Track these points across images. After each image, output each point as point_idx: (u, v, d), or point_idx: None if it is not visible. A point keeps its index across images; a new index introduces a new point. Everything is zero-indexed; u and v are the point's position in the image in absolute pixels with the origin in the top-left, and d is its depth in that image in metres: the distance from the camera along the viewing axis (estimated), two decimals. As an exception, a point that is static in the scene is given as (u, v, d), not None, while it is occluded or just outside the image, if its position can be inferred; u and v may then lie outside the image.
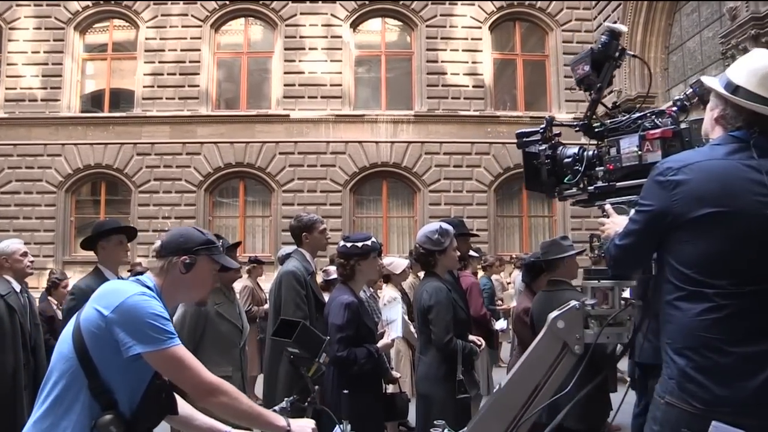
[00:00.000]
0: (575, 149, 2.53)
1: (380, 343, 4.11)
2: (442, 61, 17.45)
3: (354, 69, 17.56)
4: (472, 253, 5.85)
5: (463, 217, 15.69)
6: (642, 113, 2.41)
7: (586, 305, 2.45)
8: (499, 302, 8.68)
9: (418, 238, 4.21)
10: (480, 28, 17.63)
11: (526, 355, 2.52)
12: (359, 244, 4.08)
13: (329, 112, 17.01)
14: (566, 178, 2.50)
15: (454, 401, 3.91)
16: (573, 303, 2.46)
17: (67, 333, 2.24)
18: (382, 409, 4.19)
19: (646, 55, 15.62)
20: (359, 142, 16.93)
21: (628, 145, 2.36)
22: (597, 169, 2.46)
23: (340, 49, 17.33)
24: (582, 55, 2.51)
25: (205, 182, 16.80)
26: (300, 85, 17.13)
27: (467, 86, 17.40)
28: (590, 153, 2.48)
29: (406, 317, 6.17)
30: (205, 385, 2.23)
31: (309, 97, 17.05)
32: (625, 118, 2.44)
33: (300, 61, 17.26)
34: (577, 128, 2.52)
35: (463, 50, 17.54)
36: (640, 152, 2.32)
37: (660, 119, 2.37)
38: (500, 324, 6.95)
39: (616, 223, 2.37)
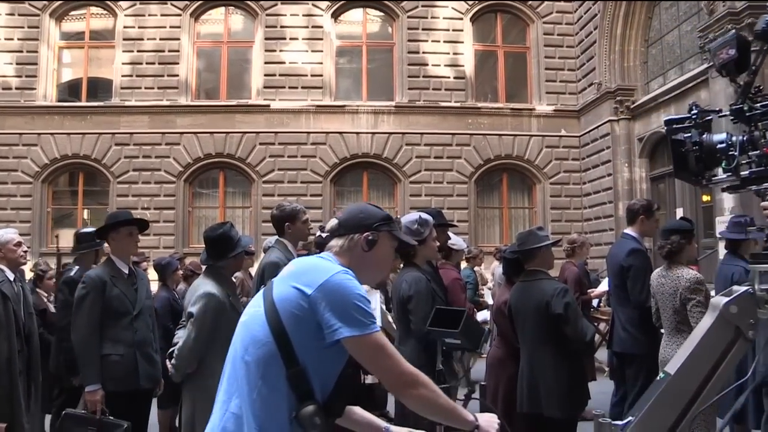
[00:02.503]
0: (723, 135, 2.46)
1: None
2: (423, 53, 17.44)
3: (335, 59, 17.49)
4: (458, 244, 5.81)
5: (444, 208, 15.72)
6: None
7: (760, 290, 2.43)
8: (482, 293, 8.70)
9: (397, 228, 4.19)
10: (461, 19, 17.65)
11: (695, 341, 2.45)
12: (336, 235, 4.06)
13: (310, 103, 16.95)
14: (723, 164, 2.44)
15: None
16: (745, 288, 2.41)
17: (256, 315, 2.07)
18: (361, 400, 4.18)
19: (626, 48, 15.75)
20: (340, 132, 16.89)
21: None
22: (750, 153, 2.41)
23: (321, 39, 17.27)
24: (727, 38, 2.48)
25: (185, 173, 16.67)
26: (280, 75, 17.05)
27: (448, 77, 17.42)
28: (742, 138, 2.47)
29: (384, 307, 6.17)
30: (406, 376, 2.04)
31: (290, 88, 16.97)
32: None
33: (281, 51, 17.17)
34: (730, 114, 2.49)
35: (444, 41, 17.55)
36: None
37: None
38: (482, 315, 6.97)
39: None
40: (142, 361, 4.41)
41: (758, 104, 2.35)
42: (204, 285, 4.05)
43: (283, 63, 17.11)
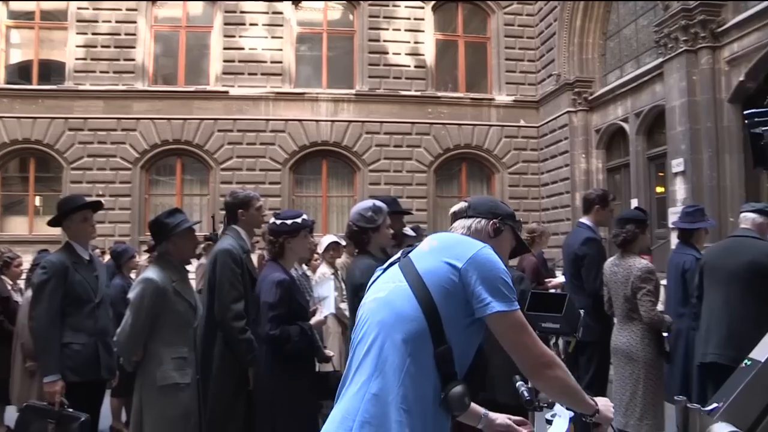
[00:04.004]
0: None
1: (313, 321, 4.08)
2: (384, 41, 17.39)
3: (295, 46, 17.32)
4: (408, 231, 5.82)
5: (403, 197, 15.78)
6: None
7: None
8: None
9: (351, 215, 4.16)
10: (423, 8, 17.64)
11: None
12: (289, 222, 4.03)
13: (269, 90, 16.77)
14: None
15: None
16: None
17: (399, 290, 1.98)
18: (316, 388, 4.16)
19: (585, 40, 15.93)
20: (299, 120, 16.77)
21: None
22: None
23: (282, 25, 17.08)
24: None
25: (141, 159, 16.36)
26: (240, 61, 16.83)
27: (409, 66, 17.41)
28: None
29: (337, 294, 6.16)
30: (545, 356, 1.98)
31: (249, 74, 16.77)
32: None
33: (240, 37, 16.94)
34: None
35: (405, 30, 17.52)
36: None
37: None
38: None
39: None
40: (102, 351, 4.32)
41: None
42: (146, 271, 4.00)
43: (243, 49, 16.89)
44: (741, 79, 10.84)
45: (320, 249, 6.82)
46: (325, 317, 4.60)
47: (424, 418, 1.88)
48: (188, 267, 4.26)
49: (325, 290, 5.18)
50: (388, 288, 2.03)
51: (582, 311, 2.93)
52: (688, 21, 11.29)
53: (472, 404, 2.17)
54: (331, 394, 4.49)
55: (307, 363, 4.15)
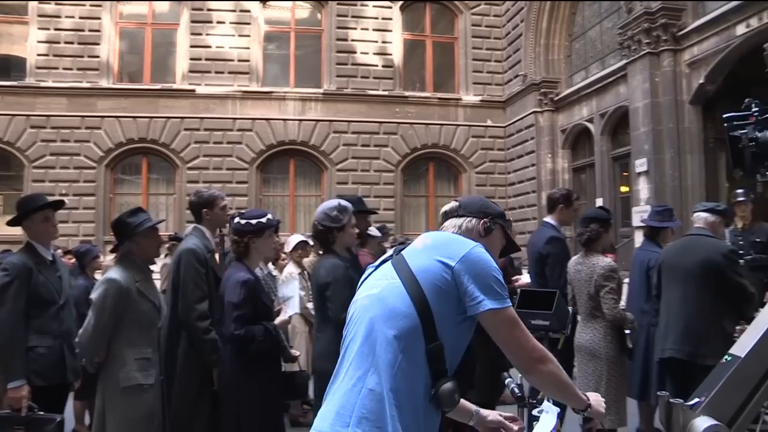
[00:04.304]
0: None
1: (277, 320, 4.07)
2: (352, 40, 17.39)
3: (263, 45, 17.24)
4: (374, 231, 5.85)
5: (370, 196, 15.80)
6: None
7: None
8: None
9: (316, 215, 4.16)
10: (391, 8, 17.68)
11: (763, 326, 2.53)
12: (253, 221, 4.02)
13: (236, 88, 16.67)
14: None
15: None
16: None
17: (392, 287, 2.00)
18: (282, 388, 4.16)
19: (551, 41, 16.11)
20: (267, 119, 16.69)
21: None
22: None
23: (249, 24, 16.99)
24: None
25: (106, 158, 16.12)
26: (207, 59, 16.68)
27: (377, 66, 17.43)
28: None
29: (304, 294, 6.16)
30: (538, 351, 2.02)
31: (216, 73, 16.64)
32: None
33: (207, 35, 16.79)
34: None
35: (373, 30, 17.55)
36: None
37: None
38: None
39: None
40: (68, 353, 4.23)
41: None
42: (109, 271, 3.95)
43: (210, 47, 16.74)
44: (701, 81, 11.07)
45: (288, 248, 6.81)
46: (290, 317, 4.60)
47: (415, 413, 1.90)
48: (152, 267, 4.21)
49: (290, 290, 5.17)
50: (381, 285, 2.05)
51: (571, 308, 2.99)
52: (650, 24, 11.50)
53: (464, 401, 2.23)
54: (298, 393, 4.52)
55: (273, 363, 4.13)
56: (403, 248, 2.14)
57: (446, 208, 2.34)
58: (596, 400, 2.25)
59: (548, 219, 5.75)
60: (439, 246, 2.05)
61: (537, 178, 15.99)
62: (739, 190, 8.17)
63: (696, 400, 2.45)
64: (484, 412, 2.33)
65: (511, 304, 1.99)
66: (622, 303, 5.24)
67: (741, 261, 4.64)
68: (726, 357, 2.57)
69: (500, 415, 2.34)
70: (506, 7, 17.94)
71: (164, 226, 15.26)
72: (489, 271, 1.98)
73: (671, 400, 2.45)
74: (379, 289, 2.04)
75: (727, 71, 10.90)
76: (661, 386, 4.81)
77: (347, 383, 1.95)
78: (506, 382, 2.47)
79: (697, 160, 11.36)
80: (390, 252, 2.19)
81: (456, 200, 2.35)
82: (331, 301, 3.95)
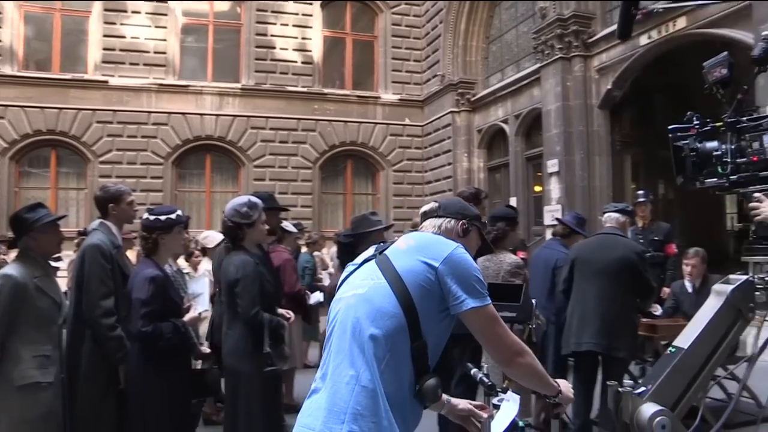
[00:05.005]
0: (715, 143, 2.75)
1: (187, 317, 4.03)
2: (271, 35, 17.26)
3: (180, 37, 16.88)
4: (289, 227, 5.85)
5: (288, 193, 15.76)
6: None
7: (758, 277, 2.78)
8: (321, 278, 8.74)
9: (225, 211, 4.14)
10: (311, 5, 17.65)
11: (703, 321, 2.83)
12: (162, 218, 3.96)
13: (152, 81, 16.27)
14: (720, 169, 2.72)
15: (261, 375, 3.91)
16: (748, 277, 2.82)
17: (377, 287, 2.05)
18: (191, 385, 4.12)
19: (468, 43, 16.41)
20: (183, 113, 16.37)
21: None
22: (739, 160, 2.68)
23: (166, 15, 16.60)
24: (719, 59, 2.74)
25: (10, 150, 15.39)
26: (121, 50, 16.18)
27: (296, 62, 17.37)
28: (732, 147, 2.69)
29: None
30: (516, 345, 2.11)
31: (130, 64, 16.17)
32: (766, 117, 2.68)
33: (121, 24, 16.29)
34: (724, 126, 2.73)
35: (293, 25, 17.46)
36: None
37: None
38: (316, 297, 7.02)
39: None
40: None
41: (745, 118, 2.68)
42: (6, 267, 3.83)
43: (124, 37, 16.25)
44: (608, 87, 11.57)
45: (211, 245, 6.67)
46: (200, 314, 4.55)
47: (402, 408, 1.99)
48: (60, 264, 4.10)
49: (200, 287, 5.12)
50: (367, 285, 2.10)
51: (534, 301, 3.11)
52: (563, 30, 11.91)
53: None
54: (209, 391, 4.47)
55: (182, 360, 4.09)
56: (385, 248, 2.21)
57: (425, 208, 2.45)
58: (566, 386, 2.36)
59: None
60: (423, 247, 2.13)
61: (453, 177, 16.29)
62: (640, 192, 8.60)
63: (643, 388, 2.74)
64: (454, 401, 2.41)
65: (491, 302, 2.09)
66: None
67: None
68: (670, 349, 2.88)
69: (470, 404, 2.42)
70: (426, 8, 18.17)
71: (74, 221, 14.84)
72: (471, 272, 2.07)
73: (620, 389, 2.72)
74: (365, 289, 2.09)
75: (632, 78, 11.43)
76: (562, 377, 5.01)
77: (338, 381, 2.00)
78: (472, 372, 2.55)
79: (605, 162, 11.85)
80: (371, 251, 2.24)
81: (435, 201, 2.44)
82: (240, 298, 3.94)
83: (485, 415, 2.38)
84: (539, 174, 13.64)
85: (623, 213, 5.29)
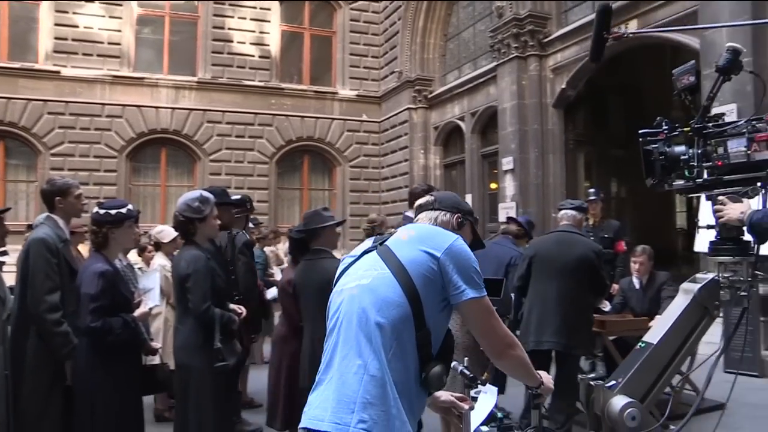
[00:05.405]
0: (683, 148, 2.84)
1: (137, 312, 4.00)
2: (228, 29, 17.11)
3: (135, 28, 16.60)
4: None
5: (244, 188, 15.63)
6: (744, 120, 2.71)
7: (723, 277, 2.86)
8: (272, 273, 8.72)
9: (177, 205, 4.12)
10: (269, -2, 17.51)
11: (671, 318, 2.95)
12: (112, 212, 3.93)
13: (106, 72, 15.97)
14: (687, 173, 2.83)
15: (212, 370, 3.91)
16: (714, 275, 2.91)
17: (382, 277, 2.08)
18: (140, 381, 4.09)
19: (426, 40, 16.50)
20: (138, 106, 16.12)
21: (737, 145, 2.68)
22: (704, 164, 2.79)
23: (120, 5, 16.31)
24: (687, 67, 2.83)
25: (-45, 141, 15.02)
26: (73, 40, 15.83)
27: (253, 56, 17.26)
28: (699, 151, 2.79)
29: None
30: (508, 338, 2.18)
31: (84, 54, 15.85)
32: (730, 123, 2.76)
33: (74, 13, 15.93)
34: (691, 131, 2.82)
35: (251, 19, 17.34)
36: (748, 151, 2.65)
37: (760, 123, 2.68)
38: (272, 293, 7.00)
39: (735, 208, 2.73)
40: None
41: (711, 124, 2.79)
42: None
43: (77, 27, 15.90)
44: (563, 86, 11.77)
45: (166, 239, 6.59)
46: (150, 309, 4.52)
47: (409, 396, 2.02)
48: (6, 258, 4.03)
49: (151, 282, 5.08)
50: (370, 275, 2.12)
51: (513, 294, 3.18)
52: (519, 29, 12.07)
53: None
54: (159, 387, 4.43)
55: (132, 356, 4.06)
56: (385, 239, 2.24)
57: (420, 201, 2.48)
58: (547, 378, 2.44)
59: (409, 213, 5.92)
60: (424, 237, 2.16)
61: (410, 173, 16.38)
62: (591, 190, 8.77)
63: (613, 382, 2.85)
64: (436, 392, 2.42)
65: (486, 293, 2.13)
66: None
67: None
68: (640, 344, 3.01)
69: (452, 395, 2.46)
70: (384, 5, 18.21)
71: (24, 215, 14.50)
72: (470, 263, 2.12)
73: (591, 382, 2.86)
74: (369, 280, 2.12)
75: (586, 78, 11.63)
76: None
77: (345, 371, 2.02)
78: (453, 365, 2.61)
79: (559, 160, 12.05)
80: (370, 243, 2.28)
81: (431, 195, 2.48)
82: (191, 293, 3.93)
83: (466, 407, 2.43)
84: (495, 171, 13.80)
85: (579, 210, 5.38)
